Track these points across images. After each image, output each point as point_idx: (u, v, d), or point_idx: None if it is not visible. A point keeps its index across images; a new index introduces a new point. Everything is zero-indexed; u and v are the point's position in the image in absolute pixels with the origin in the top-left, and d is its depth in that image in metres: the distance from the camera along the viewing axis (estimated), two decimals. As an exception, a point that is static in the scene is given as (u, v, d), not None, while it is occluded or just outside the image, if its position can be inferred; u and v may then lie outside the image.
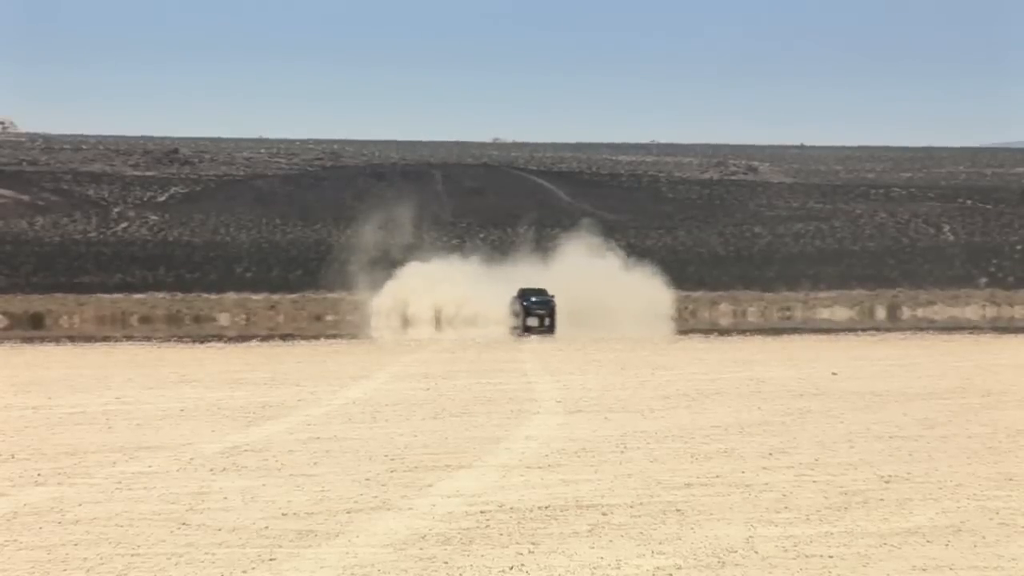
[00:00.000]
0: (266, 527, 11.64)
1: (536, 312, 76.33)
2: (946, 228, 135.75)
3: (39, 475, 15.14)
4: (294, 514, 12.27)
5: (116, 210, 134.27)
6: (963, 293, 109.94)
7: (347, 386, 28.45)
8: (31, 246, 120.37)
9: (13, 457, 16.82)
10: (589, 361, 37.53)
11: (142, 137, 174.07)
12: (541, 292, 78.51)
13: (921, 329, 64.71)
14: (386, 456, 16.41)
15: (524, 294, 78.28)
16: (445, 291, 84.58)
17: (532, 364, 36.43)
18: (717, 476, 14.39)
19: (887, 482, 13.90)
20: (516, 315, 76.78)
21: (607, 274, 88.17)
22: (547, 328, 71.77)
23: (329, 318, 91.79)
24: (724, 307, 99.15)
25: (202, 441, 18.34)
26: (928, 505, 12.46)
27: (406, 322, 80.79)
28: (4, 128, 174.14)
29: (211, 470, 15.35)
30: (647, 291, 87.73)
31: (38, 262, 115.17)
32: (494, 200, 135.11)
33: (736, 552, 10.40)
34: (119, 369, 35.99)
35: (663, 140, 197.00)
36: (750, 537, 10.97)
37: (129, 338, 63.68)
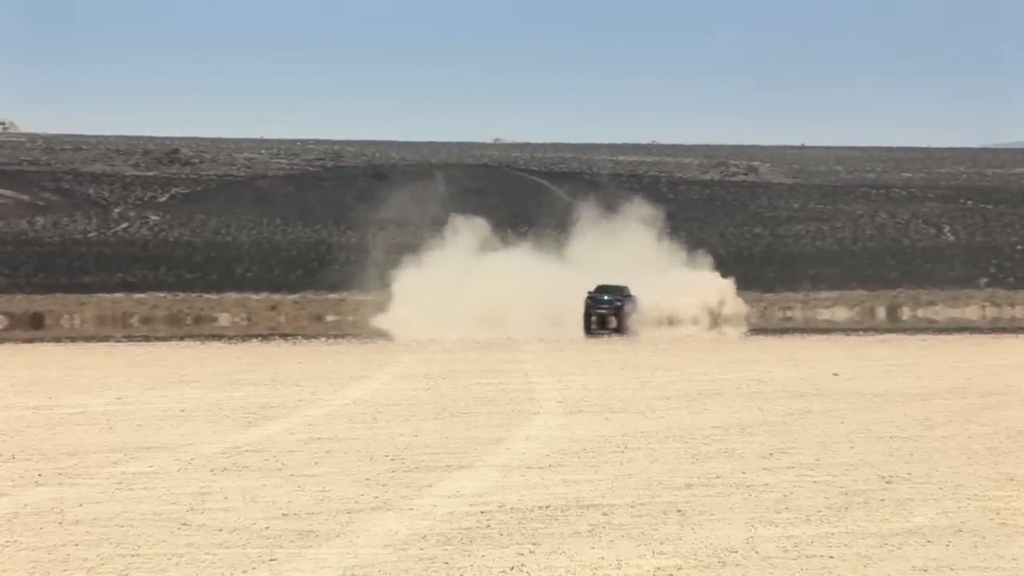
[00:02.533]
0: (267, 527, 11.64)
1: (597, 312, 72.71)
2: (947, 228, 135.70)
3: (40, 475, 15.14)
4: (295, 514, 12.27)
5: (117, 210, 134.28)
6: (964, 294, 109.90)
7: (348, 386, 28.45)
8: (31, 246, 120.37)
9: (14, 457, 16.83)
10: (590, 362, 37.52)
11: (143, 137, 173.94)
12: (618, 290, 73.91)
13: (922, 329, 64.69)
14: (387, 456, 16.41)
15: (597, 291, 73.86)
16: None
17: (533, 364, 36.43)
18: (718, 476, 14.39)
19: (888, 482, 13.90)
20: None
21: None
22: (614, 329, 68.55)
23: (330, 318, 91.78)
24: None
25: (203, 441, 18.34)
26: (929, 505, 12.46)
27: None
28: (5, 128, 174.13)
29: (212, 470, 15.35)
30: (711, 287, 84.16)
31: (38, 262, 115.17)
32: (495, 200, 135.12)
33: (737, 552, 10.40)
34: (120, 369, 35.98)
35: (664, 141, 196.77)
36: (751, 537, 10.97)
37: (130, 338, 63.68)
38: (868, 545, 10.66)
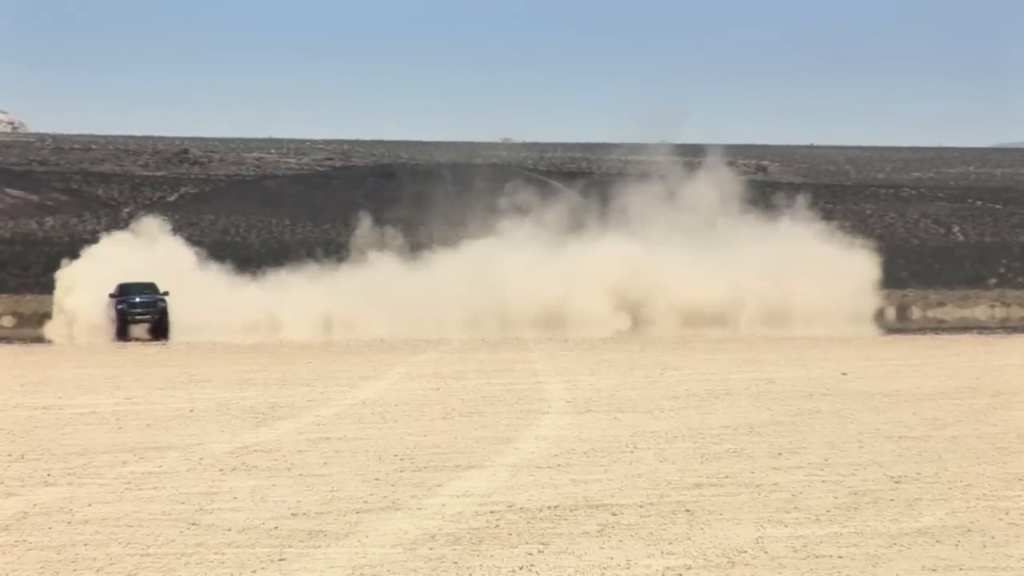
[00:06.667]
0: (276, 527, 11.65)
1: (139, 317, 62.96)
2: (956, 228, 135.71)
3: (49, 475, 15.17)
4: (304, 514, 12.28)
5: (126, 210, 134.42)
6: (973, 293, 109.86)
7: (357, 386, 28.47)
8: (41, 246, 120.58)
9: (23, 457, 16.85)
10: (599, 361, 37.52)
11: (152, 137, 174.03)
12: (148, 288, 64.21)
13: (931, 329, 64.63)
14: (396, 456, 16.42)
15: (124, 291, 63.73)
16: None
17: (542, 364, 36.44)
18: (727, 476, 14.39)
19: (897, 482, 13.90)
20: (112, 320, 63.59)
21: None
22: (158, 335, 61.16)
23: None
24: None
25: (212, 441, 18.36)
26: (938, 505, 12.45)
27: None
28: (14, 128, 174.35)
29: (221, 470, 15.37)
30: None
31: (48, 262, 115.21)
32: (505, 200, 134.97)
33: (746, 552, 10.40)
34: (129, 369, 36.04)
35: (672, 140, 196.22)
36: (760, 537, 10.96)
37: (138, 338, 63.70)
38: (877, 545, 10.66)
